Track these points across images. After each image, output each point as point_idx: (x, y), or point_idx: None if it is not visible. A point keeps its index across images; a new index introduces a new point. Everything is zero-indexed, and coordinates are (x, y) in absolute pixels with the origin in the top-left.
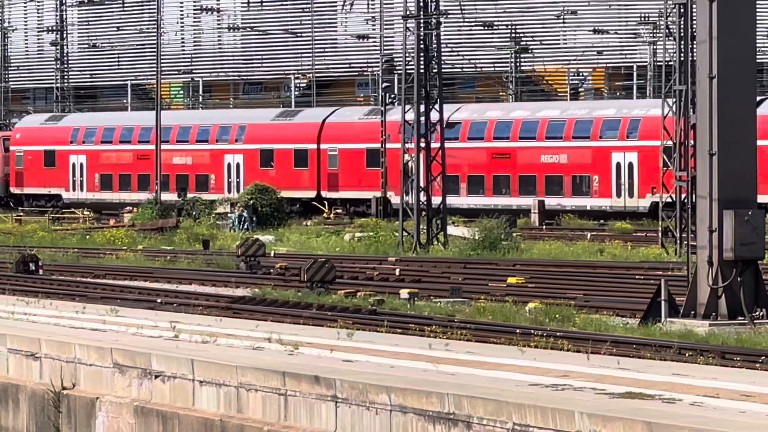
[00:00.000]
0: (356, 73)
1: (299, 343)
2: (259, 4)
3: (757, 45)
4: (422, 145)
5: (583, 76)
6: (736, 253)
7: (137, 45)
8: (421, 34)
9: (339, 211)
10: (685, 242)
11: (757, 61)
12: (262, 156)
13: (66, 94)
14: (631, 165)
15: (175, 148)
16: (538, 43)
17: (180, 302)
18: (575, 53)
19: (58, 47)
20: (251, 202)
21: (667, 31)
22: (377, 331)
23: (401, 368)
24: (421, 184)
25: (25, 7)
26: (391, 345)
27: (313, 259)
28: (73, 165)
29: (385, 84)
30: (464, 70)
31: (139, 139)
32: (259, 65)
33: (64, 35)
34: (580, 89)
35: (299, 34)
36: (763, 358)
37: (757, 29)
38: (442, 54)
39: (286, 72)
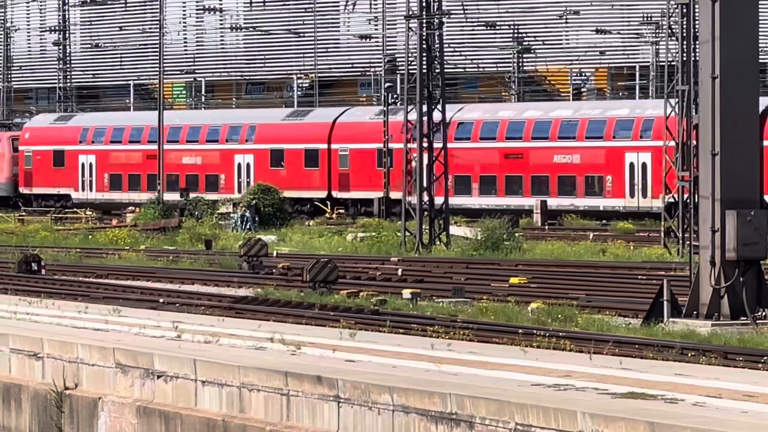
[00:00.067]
0: (359, 73)
1: (302, 343)
2: (262, 4)
3: (760, 45)
4: (425, 145)
5: (585, 76)
6: (739, 253)
7: (140, 45)
8: (424, 34)
9: (342, 210)
10: (688, 242)
11: (760, 61)
12: (272, 156)
13: (68, 94)
14: (644, 165)
15: (185, 148)
16: (541, 43)
17: (182, 302)
18: (578, 53)
19: (61, 47)
20: (254, 202)
21: (669, 31)
22: (380, 331)
23: (404, 368)
24: (424, 183)
25: (27, 6)
26: (393, 345)
27: (316, 259)
28: (83, 165)
29: (387, 84)
30: (467, 70)
31: (149, 139)
32: (262, 65)
33: (67, 35)
34: (582, 89)
35: (302, 34)
36: (766, 358)
37: (760, 29)
38: (445, 54)
39: (288, 72)
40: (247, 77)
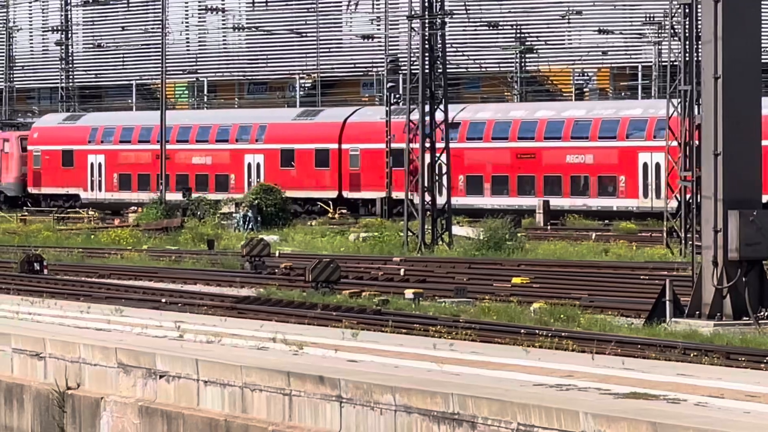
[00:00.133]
0: (361, 73)
1: (304, 343)
2: (264, 4)
3: (763, 45)
4: (427, 145)
5: (587, 76)
6: (741, 253)
7: (142, 45)
8: (426, 34)
9: (344, 210)
10: (690, 242)
11: (763, 61)
12: (282, 156)
13: (71, 94)
14: (658, 165)
15: (195, 147)
16: (543, 43)
17: (185, 302)
18: (580, 53)
19: (63, 47)
20: (256, 201)
21: (672, 31)
22: (382, 331)
23: (406, 368)
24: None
25: (30, 6)
26: (395, 345)
27: (318, 259)
28: (92, 165)
29: (389, 84)
30: (469, 70)
31: (158, 138)
32: (264, 65)
33: (69, 35)
34: (584, 89)
35: (304, 34)
36: None
37: (763, 29)
38: (447, 54)
39: (291, 72)
40: (250, 77)
